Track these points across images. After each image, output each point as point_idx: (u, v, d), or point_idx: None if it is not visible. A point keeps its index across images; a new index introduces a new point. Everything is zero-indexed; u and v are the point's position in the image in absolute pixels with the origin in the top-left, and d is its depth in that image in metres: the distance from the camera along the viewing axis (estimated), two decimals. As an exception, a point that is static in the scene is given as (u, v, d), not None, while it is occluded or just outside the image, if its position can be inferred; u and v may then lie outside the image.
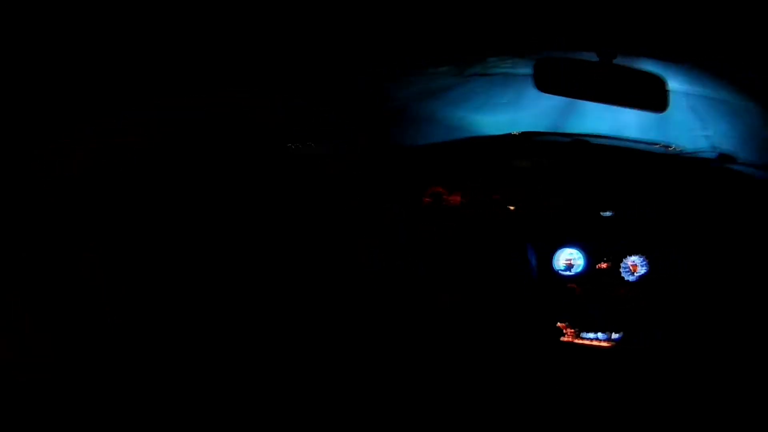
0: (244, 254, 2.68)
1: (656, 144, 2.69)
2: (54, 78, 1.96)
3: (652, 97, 2.04)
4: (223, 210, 2.66)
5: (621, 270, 2.64)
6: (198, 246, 2.61)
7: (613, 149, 2.69)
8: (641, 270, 2.62)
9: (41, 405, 2.15)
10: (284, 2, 1.85)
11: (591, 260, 2.67)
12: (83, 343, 2.34)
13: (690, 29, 1.90)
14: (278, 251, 2.72)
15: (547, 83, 2.16)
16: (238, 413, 2.53)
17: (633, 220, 2.66)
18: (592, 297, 2.64)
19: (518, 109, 2.71)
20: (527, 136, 2.71)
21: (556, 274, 2.68)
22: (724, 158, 2.52)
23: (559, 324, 2.65)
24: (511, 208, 2.71)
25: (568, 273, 2.68)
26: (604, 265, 2.66)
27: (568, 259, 2.68)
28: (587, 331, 2.63)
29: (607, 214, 2.68)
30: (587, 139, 2.68)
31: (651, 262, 2.61)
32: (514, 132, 2.73)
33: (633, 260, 2.63)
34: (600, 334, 2.62)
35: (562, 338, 2.64)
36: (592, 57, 2.07)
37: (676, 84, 2.67)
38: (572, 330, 2.64)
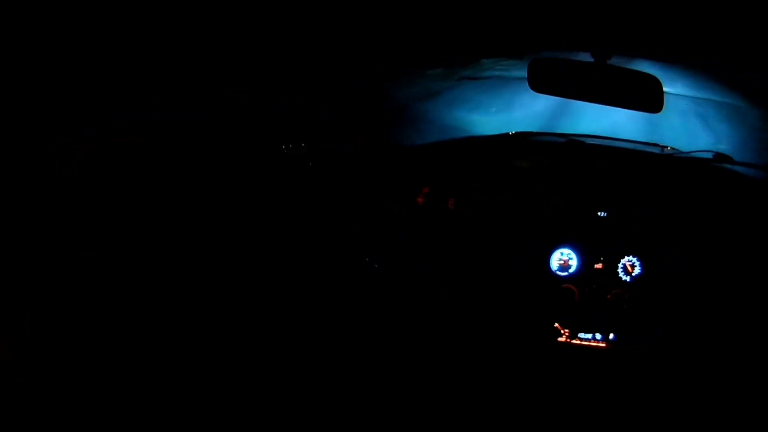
0: (244, 254, 2.69)
1: (652, 144, 2.71)
2: (54, 78, 1.97)
3: (648, 98, 2.03)
4: (223, 210, 2.66)
5: (618, 270, 2.65)
6: (198, 246, 2.62)
7: (610, 149, 2.71)
8: (638, 270, 2.63)
9: (41, 405, 2.15)
10: (284, 2, 1.86)
11: (587, 261, 2.67)
12: (83, 343, 2.34)
13: (686, 29, 1.91)
14: (278, 251, 2.73)
15: (542, 84, 2.16)
16: (239, 412, 2.54)
17: (630, 220, 2.66)
18: (589, 297, 2.64)
19: (513, 110, 2.73)
20: (522, 137, 2.73)
21: (552, 274, 2.69)
22: (721, 158, 2.54)
23: (555, 324, 2.65)
24: (510, 208, 2.71)
25: (564, 273, 2.68)
26: (600, 266, 2.66)
27: (564, 259, 2.69)
28: (584, 332, 2.63)
29: (604, 214, 2.68)
30: (583, 139, 2.69)
31: (648, 263, 2.62)
32: (510, 132, 2.75)
33: (630, 260, 2.64)
34: (597, 335, 2.62)
35: (558, 339, 2.65)
36: (587, 57, 2.08)
37: (672, 84, 2.69)
38: (569, 330, 2.64)
